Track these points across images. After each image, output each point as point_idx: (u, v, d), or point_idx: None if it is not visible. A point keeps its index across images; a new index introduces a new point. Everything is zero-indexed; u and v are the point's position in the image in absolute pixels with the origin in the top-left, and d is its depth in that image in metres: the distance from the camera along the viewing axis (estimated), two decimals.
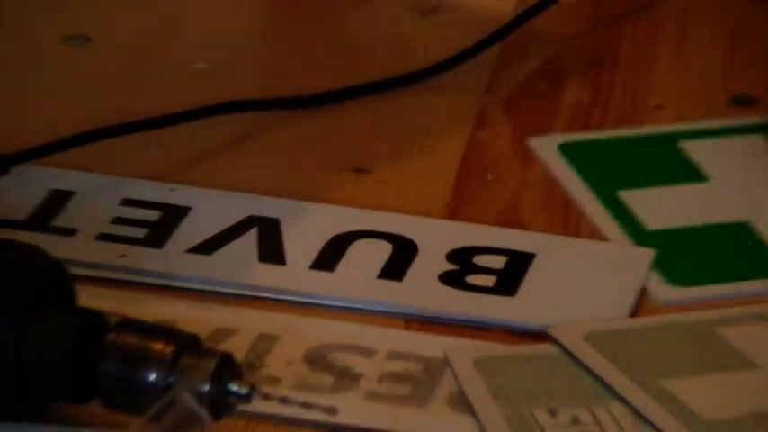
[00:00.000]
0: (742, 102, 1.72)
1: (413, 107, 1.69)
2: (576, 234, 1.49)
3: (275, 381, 1.26)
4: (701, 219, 1.53)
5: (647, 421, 1.21)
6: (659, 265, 1.43)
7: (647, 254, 1.47)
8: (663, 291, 1.40)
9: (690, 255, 1.49)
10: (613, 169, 1.63)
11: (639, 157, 1.66)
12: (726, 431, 1.21)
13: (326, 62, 1.78)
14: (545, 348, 1.28)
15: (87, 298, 1.23)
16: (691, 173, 1.60)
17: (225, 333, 1.27)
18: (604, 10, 1.92)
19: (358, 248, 1.43)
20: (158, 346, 1.18)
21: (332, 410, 1.23)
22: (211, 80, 1.68)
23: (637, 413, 1.21)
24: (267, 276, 1.42)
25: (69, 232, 1.42)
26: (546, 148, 1.65)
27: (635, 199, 1.55)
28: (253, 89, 1.70)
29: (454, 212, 1.50)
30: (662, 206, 1.55)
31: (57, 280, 1.25)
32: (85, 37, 1.78)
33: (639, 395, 1.22)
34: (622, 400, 1.22)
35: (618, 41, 1.83)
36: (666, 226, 1.51)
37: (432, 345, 1.30)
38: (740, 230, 1.51)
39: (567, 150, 1.65)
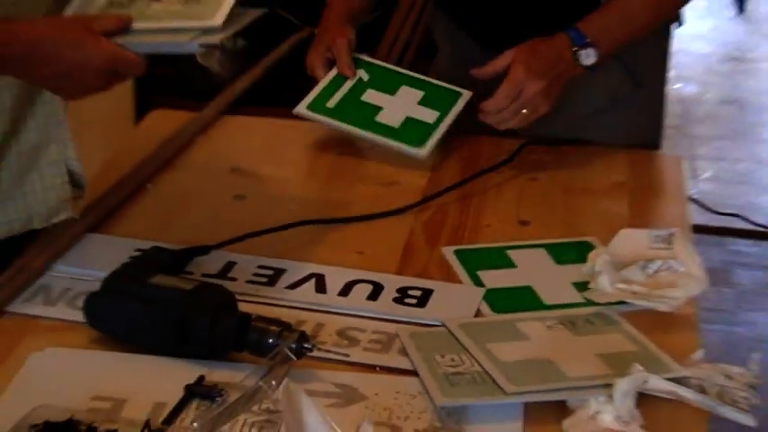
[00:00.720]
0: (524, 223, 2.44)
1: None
2: (454, 281, 2.20)
3: (322, 343, 1.95)
4: (508, 284, 2.21)
5: (477, 362, 1.87)
6: (485, 298, 2.14)
7: (481, 291, 2.16)
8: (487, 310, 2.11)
9: (500, 298, 2.16)
10: (474, 260, 2.29)
11: (485, 254, 2.32)
12: (513, 367, 1.85)
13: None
14: (441, 330, 2.00)
15: (241, 306, 1.98)
16: (510, 264, 2.28)
17: (300, 323, 1.98)
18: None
19: (359, 287, 2.17)
20: (273, 328, 1.86)
21: (346, 355, 1.94)
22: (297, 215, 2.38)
23: (474, 358, 1.88)
24: (321, 299, 2.13)
25: (233, 279, 2.16)
26: (448, 251, 2.32)
27: (482, 274, 2.23)
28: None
29: (400, 272, 2.22)
30: (492, 277, 2.22)
31: (229, 300, 1.95)
32: (243, 195, 2.54)
33: (476, 350, 1.90)
34: (469, 352, 1.90)
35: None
36: (492, 285, 2.19)
37: (391, 328, 2.02)
38: (527, 290, 2.18)
39: (457, 252, 2.32)
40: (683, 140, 5.89)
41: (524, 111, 2.61)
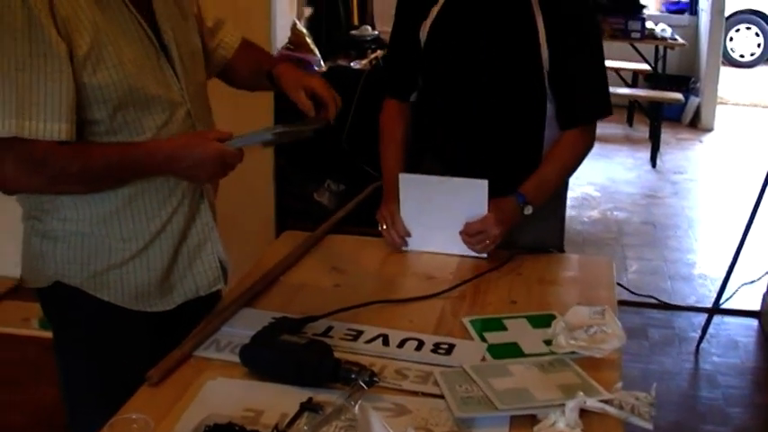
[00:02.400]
0: (513, 302, 2.38)
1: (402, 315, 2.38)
2: (469, 339, 2.16)
3: (384, 377, 1.95)
4: (502, 341, 2.16)
5: (481, 389, 1.88)
6: (488, 350, 2.10)
7: (485, 345, 2.13)
8: (488, 357, 2.08)
9: (497, 350, 2.11)
10: (481, 325, 2.24)
11: (488, 322, 2.26)
12: (503, 393, 1.85)
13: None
14: (460, 370, 1.97)
15: (336, 353, 2.00)
16: (503, 328, 2.23)
17: (372, 364, 1.97)
18: None
19: (409, 342, 2.13)
20: (354, 367, 1.88)
21: (399, 385, 1.92)
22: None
23: (479, 387, 1.88)
24: (385, 350, 2.08)
25: (331, 337, 2.13)
26: (465, 320, 2.26)
27: (486, 334, 2.18)
28: None
29: (435, 333, 2.19)
30: (492, 336, 2.18)
31: (328, 350, 1.95)
32: (339, 284, 2.49)
33: (480, 382, 1.89)
34: (477, 383, 1.90)
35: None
36: (492, 341, 2.15)
37: (429, 369, 2.00)
38: (514, 345, 2.14)
39: (471, 321, 2.26)
40: (618, 247, 5.86)
41: (488, 241, 2.61)
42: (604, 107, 2.72)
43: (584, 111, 2.69)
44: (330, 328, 2.20)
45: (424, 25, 2.71)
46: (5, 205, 4.45)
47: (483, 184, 2.57)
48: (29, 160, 1.99)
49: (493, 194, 2.60)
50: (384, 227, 2.74)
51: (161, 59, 2.16)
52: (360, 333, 2.19)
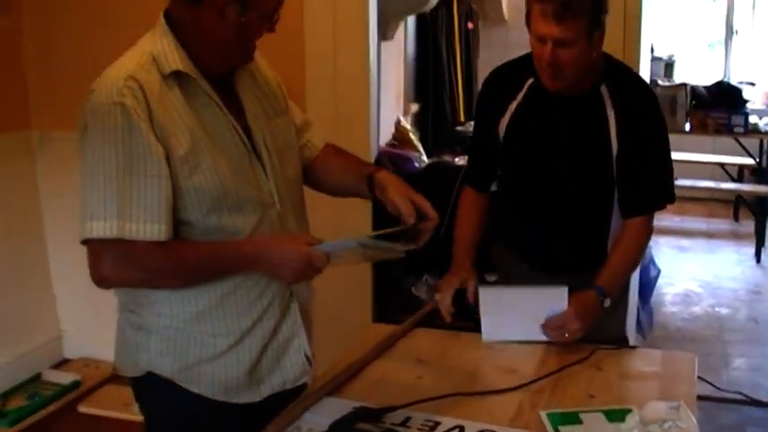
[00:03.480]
0: (591, 396, 2.44)
1: None
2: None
3: None
4: None
5: None
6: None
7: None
8: None
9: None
10: (558, 419, 2.25)
11: (565, 416, 2.27)
12: None
13: None
14: None
15: None
16: (579, 422, 2.24)
17: None
18: None
19: None
20: None
21: None
22: None
23: None
24: None
25: (409, 427, 2.21)
26: (542, 413, 2.29)
27: (562, 428, 2.21)
28: None
29: (511, 425, 2.23)
30: (568, 430, 2.20)
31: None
32: (422, 376, 2.59)
33: None
34: None
35: None
36: None
37: None
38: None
39: (548, 414, 2.28)
40: (718, 344, 5.78)
41: (567, 335, 2.69)
42: (667, 196, 2.87)
43: (647, 201, 2.84)
44: (408, 419, 2.25)
45: (502, 120, 2.87)
46: (108, 295, 4.67)
47: (563, 291, 2.70)
48: (126, 258, 2.10)
49: (562, 279, 2.77)
50: (438, 296, 2.90)
51: (252, 160, 2.26)
52: (437, 424, 2.23)
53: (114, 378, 5.06)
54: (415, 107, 7.41)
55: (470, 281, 2.86)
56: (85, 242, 2.12)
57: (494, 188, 3.05)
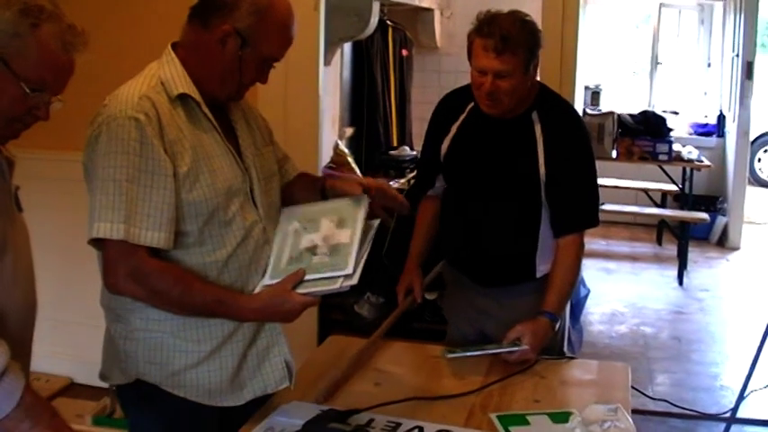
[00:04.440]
0: (537, 401, 2.62)
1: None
2: None
3: None
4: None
5: None
6: None
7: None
8: None
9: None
10: (507, 420, 2.42)
11: (514, 418, 2.45)
12: None
13: None
14: None
15: None
16: (527, 423, 2.42)
17: None
18: None
19: None
20: None
21: None
22: None
23: None
24: None
25: (373, 427, 2.34)
26: (493, 415, 2.46)
27: (512, 428, 2.37)
28: None
29: (466, 426, 2.41)
30: (518, 430, 2.37)
31: None
32: (380, 383, 2.77)
33: None
34: None
35: None
36: None
37: None
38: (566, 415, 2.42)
39: (498, 416, 2.45)
40: (644, 360, 6.02)
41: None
42: (592, 219, 3.10)
43: (576, 222, 3.07)
44: (372, 420, 2.42)
45: (445, 140, 3.14)
46: (57, 312, 4.65)
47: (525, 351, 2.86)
48: (138, 274, 2.26)
49: (494, 286, 3.09)
50: (400, 296, 3.18)
51: (242, 181, 2.45)
52: (398, 425, 2.41)
53: (65, 390, 5.17)
54: (349, 131, 7.53)
55: (416, 283, 3.18)
56: (94, 242, 2.28)
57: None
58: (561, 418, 2.45)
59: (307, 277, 2.36)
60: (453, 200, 3.19)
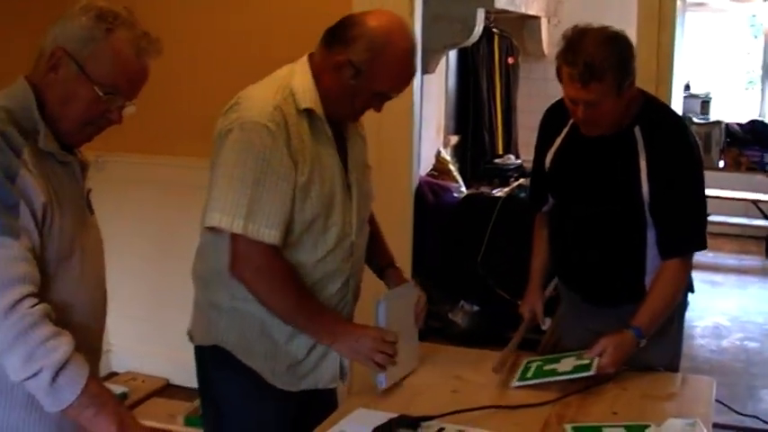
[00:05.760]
0: (615, 413, 2.55)
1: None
2: None
3: None
4: None
5: None
6: None
7: None
8: None
9: None
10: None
11: (590, 429, 2.42)
12: None
13: None
14: None
15: None
16: None
17: None
18: None
19: None
20: None
21: None
22: None
23: None
24: None
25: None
26: (568, 426, 2.43)
27: None
28: None
29: None
30: None
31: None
32: (457, 391, 2.78)
33: None
34: None
35: None
36: None
37: None
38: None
39: (573, 427, 2.41)
40: (745, 376, 5.88)
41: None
42: (699, 241, 2.96)
43: (681, 244, 2.92)
44: (442, 429, 2.40)
45: (549, 152, 3.07)
46: (154, 313, 4.84)
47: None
48: (263, 272, 2.50)
49: (603, 305, 2.99)
50: (524, 318, 3.11)
51: (345, 195, 2.61)
52: None
53: (161, 391, 5.28)
54: (454, 139, 7.55)
55: (537, 307, 3.11)
56: (211, 230, 2.50)
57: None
58: (637, 430, 2.40)
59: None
60: (559, 215, 3.13)
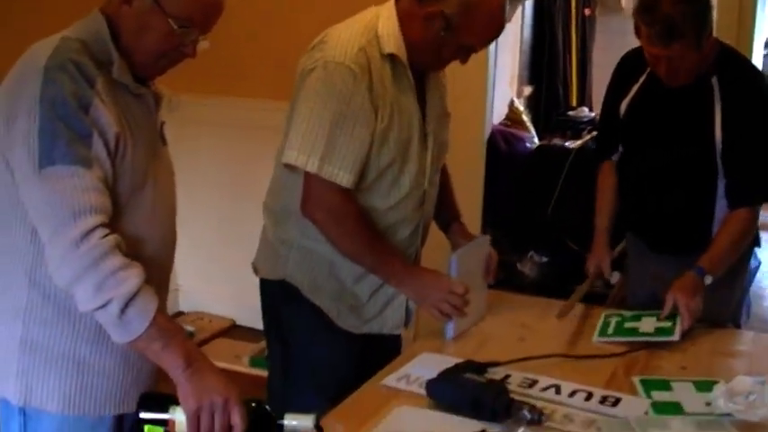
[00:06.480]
0: (683, 368, 2.53)
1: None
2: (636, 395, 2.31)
3: (554, 419, 2.10)
4: (666, 399, 2.28)
5: None
6: (651, 406, 2.23)
7: (648, 401, 2.26)
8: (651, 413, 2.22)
9: (659, 407, 2.23)
10: (649, 385, 2.35)
11: (656, 383, 2.38)
12: None
13: None
14: (623, 420, 2.10)
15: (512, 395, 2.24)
16: (669, 389, 2.35)
17: (543, 407, 2.14)
18: None
19: (579, 393, 2.29)
20: (525, 406, 2.06)
21: (566, 427, 2.24)
22: None
23: None
24: (557, 398, 2.25)
25: (509, 383, 2.36)
26: (635, 379, 2.39)
27: (653, 393, 2.30)
28: None
29: (606, 387, 2.35)
30: (658, 395, 2.29)
31: (504, 390, 2.15)
32: (524, 338, 2.76)
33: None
34: None
35: None
36: (657, 399, 2.27)
37: (594, 417, 2.15)
38: (677, 404, 2.25)
39: (640, 380, 2.38)
40: None
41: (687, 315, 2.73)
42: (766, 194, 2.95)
43: (749, 194, 2.92)
44: (508, 376, 2.39)
45: (624, 101, 3.04)
46: (223, 254, 4.86)
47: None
48: (337, 215, 2.51)
49: (670, 253, 2.99)
50: (589, 274, 3.07)
51: (421, 144, 2.59)
52: (535, 382, 2.36)
53: (226, 332, 5.32)
54: (528, 90, 7.48)
55: (603, 262, 3.06)
56: (286, 167, 2.51)
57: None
58: (706, 386, 2.35)
59: None
60: (632, 162, 3.11)
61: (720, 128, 2.83)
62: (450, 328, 2.65)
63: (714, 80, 2.84)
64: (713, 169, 2.90)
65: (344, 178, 2.43)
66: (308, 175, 2.45)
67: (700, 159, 2.91)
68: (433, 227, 2.84)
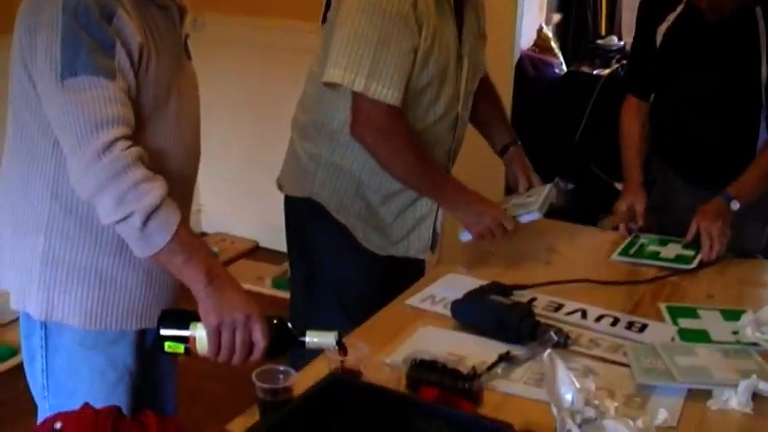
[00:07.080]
0: (710, 296, 2.52)
1: None
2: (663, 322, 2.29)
3: (580, 344, 2.08)
4: (693, 327, 2.26)
5: (665, 363, 2.01)
6: (678, 333, 2.21)
7: (675, 328, 2.23)
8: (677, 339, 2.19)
9: (686, 334, 2.21)
10: (676, 312, 2.33)
11: (683, 310, 2.35)
12: (685, 369, 1.92)
13: None
14: (649, 347, 2.07)
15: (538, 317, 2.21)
16: (696, 316, 2.32)
17: (570, 332, 2.14)
18: None
19: (606, 318, 2.27)
20: (552, 328, 2.04)
21: (591, 351, 2.14)
22: None
23: (664, 361, 1.99)
24: (583, 322, 2.23)
25: (535, 306, 2.32)
26: (662, 306, 2.37)
27: (680, 320, 2.28)
28: None
29: (632, 313, 2.36)
30: (685, 322, 2.27)
31: (529, 312, 2.14)
32: (550, 262, 2.73)
33: (666, 357, 1.97)
34: (662, 358, 2.02)
35: None
36: (684, 326, 2.25)
37: (620, 342, 2.12)
38: (704, 332, 2.22)
39: (667, 306, 2.36)
40: None
41: (714, 238, 2.72)
42: None
43: None
44: (534, 299, 2.37)
45: (660, 28, 2.92)
46: (246, 175, 4.84)
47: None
48: (387, 131, 2.46)
49: (706, 187, 2.87)
50: (617, 214, 2.98)
51: (457, 66, 2.56)
52: (561, 306, 2.35)
53: (249, 253, 5.33)
54: (557, 17, 7.36)
55: (638, 204, 2.95)
56: (325, 84, 2.46)
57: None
58: (733, 315, 2.32)
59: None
60: (665, 94, 3.02)
61: (766, 60, 2.74)
62: (468, 233, 2.60)
63: (758, 11, 2.75)
64: (757, 102, 2.80)
65: (392, 96, 2.39)
66: (355, 95, 2.41)
67: (743, 92, 2.82)
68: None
